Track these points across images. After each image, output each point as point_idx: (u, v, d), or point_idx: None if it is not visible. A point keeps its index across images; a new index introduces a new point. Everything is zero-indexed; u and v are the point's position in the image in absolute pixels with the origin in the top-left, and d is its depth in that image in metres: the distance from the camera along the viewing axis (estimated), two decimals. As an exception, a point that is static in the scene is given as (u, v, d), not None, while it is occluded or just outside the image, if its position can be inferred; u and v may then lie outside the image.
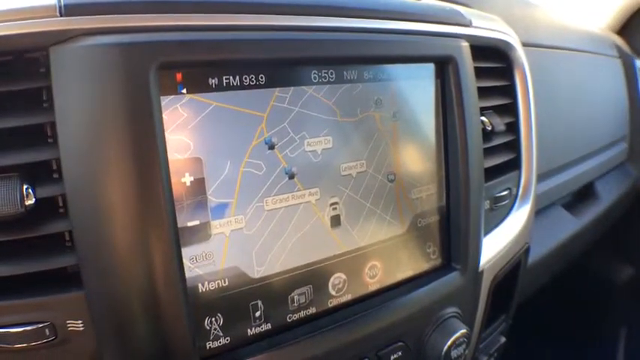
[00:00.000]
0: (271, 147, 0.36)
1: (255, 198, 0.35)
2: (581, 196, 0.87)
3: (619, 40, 1.04)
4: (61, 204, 0.31)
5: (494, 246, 0.52)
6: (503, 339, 0.62)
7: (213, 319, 0.34)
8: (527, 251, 0.59)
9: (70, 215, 0.30)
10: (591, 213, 0.85)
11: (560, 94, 0.78)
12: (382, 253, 0.42)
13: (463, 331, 0.45)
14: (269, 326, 0.37)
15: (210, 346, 0.34)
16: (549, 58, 0.75)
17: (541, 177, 0.69)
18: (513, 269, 0.58)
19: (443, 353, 0.44)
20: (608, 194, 0.90)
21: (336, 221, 0.39)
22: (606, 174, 0.93)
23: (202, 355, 0.34)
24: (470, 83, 0.46)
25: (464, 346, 0.46)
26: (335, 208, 0.39)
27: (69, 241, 0.31)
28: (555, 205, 0.81)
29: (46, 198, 0.30)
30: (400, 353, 0.43)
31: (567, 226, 0.80)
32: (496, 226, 0.54)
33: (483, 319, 0.55)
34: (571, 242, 0.79)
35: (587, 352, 1.07)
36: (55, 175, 0.30)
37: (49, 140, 0.30)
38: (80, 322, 0.30)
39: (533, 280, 0.75)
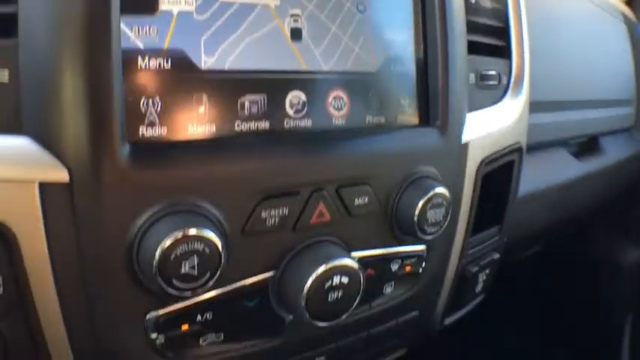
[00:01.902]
0: None
1: (206, -19, 0.33)
2: (586, 148, 0.83)
3: (626, 9, 1.02)
4: None
5: (482, 125, 0.48)
6: (497, 255, 0.57)
7: (151, 101, 0.31)
8: (520, 152, 0.54)
9: None
10: (595, 164, 0.80)
11: (561, 34, 0.76)
12: (349, 86, 0.39)
13: (441, 190, 0.41)
14: (213, 129, 0.33)
15: (143, 133, 0.31)
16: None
17: (540, 106, 0.65)
18: (506, 168, 0.54)
19: (417, 211, 0.40)
20: (614, 152, 0.86)
21: (296, 34, 0.36)
22: (612, 134, 0.88)
23: (134, 139, 0.30)
24: None
25: (442, 210, 0.41)
26: (296, 20, 0.36)
27: None
28: (559, 148, 0.76)
29: None
30: (367, 200, 0.38)
31: (569, 168, 0.75)
32: (485, 107, 0.50)
33: (471, 213, 0.50)
34: (572, 186, 0.74)
35: (590, 340, 0.98)
36: None
37: None
38: (6, 70, 0.29)
39: (530, 221, 0.70)
